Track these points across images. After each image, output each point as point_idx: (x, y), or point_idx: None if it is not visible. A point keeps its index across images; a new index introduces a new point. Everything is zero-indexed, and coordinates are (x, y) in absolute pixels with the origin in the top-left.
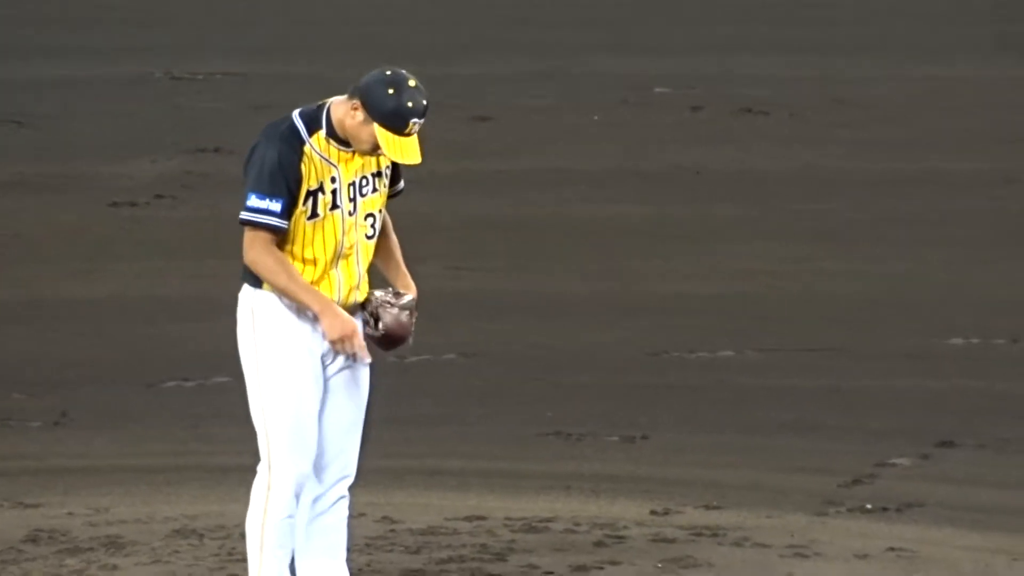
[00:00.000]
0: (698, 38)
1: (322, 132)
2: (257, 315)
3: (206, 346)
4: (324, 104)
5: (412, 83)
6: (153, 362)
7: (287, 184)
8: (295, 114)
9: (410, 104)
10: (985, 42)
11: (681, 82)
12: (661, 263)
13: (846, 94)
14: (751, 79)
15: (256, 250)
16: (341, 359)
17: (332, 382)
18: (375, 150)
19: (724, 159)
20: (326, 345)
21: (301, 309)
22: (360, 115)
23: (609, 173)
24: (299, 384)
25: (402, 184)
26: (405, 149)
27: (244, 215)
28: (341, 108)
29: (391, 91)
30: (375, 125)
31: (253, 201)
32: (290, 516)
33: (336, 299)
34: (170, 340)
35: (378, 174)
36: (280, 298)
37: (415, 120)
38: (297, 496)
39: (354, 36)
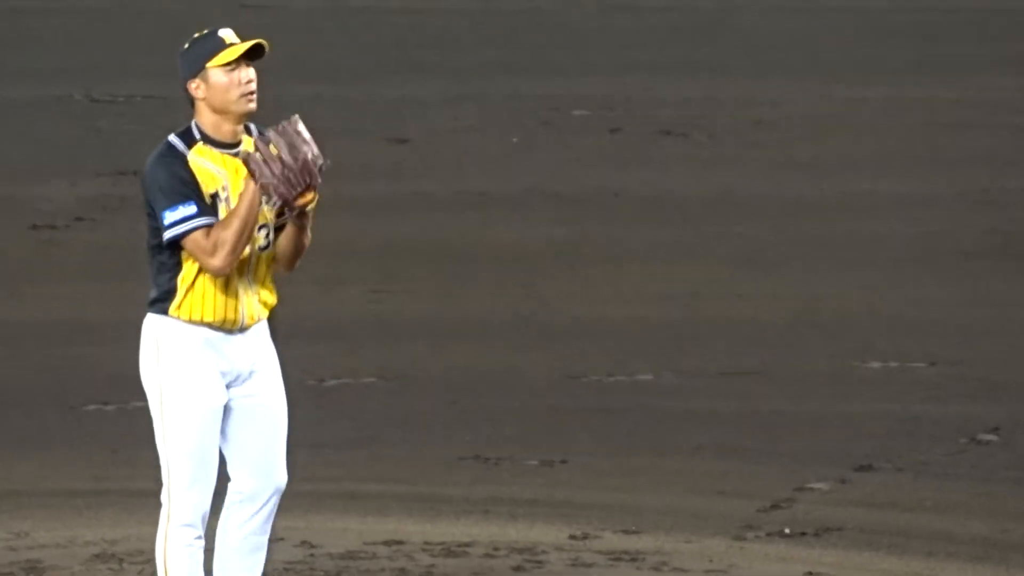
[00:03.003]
0: (617, 61)
1: (199, 143)
2: (162, 345)
3: (127, 370)
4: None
5: (198, 34)
6: (73, 386)
7: (189, 187)
8: (169, 136)
9: (207, 30)
10: (903, 64)
11: (600, 104)
12: (580, 286)
13: (765, 116)
14: (670, 101)
15: (208, 252)
16: (250, 381)
17: (245, 404)
18: (244, 90)
19: (643, 182)
20: (234, 372)
21: (206, 336)
22: (200, 84)
23: (528, 195)
24: (200, 416)
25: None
26: (242, 46)
27: (169, 233)
28: (197, 110)
29: (187, 45)
30: (210, 70)
31: (168, 217)
32: (190, 545)
33: (240, 314)
34: (91, 363)
35: None
36: (184, 326)
37: (224, 32)
38: (197, 525)
39: (275, 59)
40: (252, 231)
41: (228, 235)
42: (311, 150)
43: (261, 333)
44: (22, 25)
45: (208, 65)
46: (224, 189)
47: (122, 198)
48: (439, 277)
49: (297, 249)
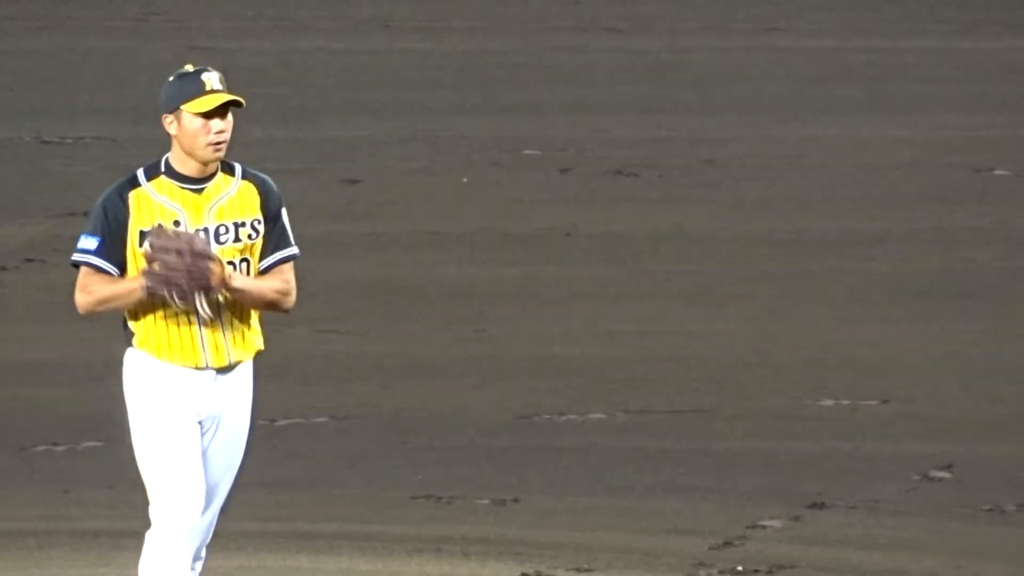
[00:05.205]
0: (567, 100)
1: (162, 176)
2: (129, 374)
3: (76, 410)
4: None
5: (188, 67)
6: (23, 426)
7: (105, 225)
8: (139, 168)
9: (192, 68)
10: (854, 103)
11: (550, 144)
12: (530, 325)
13: (715, 155)
14: (620, 141)
15: (80, 293)
16: (211, 432)
17: (206, 448)
18: (213, 140)
19: (593, 220)
20: (204, 411)
21: (171, 371)
22: (174, 121)
23: (479, 235)
24: (173, 444)
25: (294, 250)
26: (218, 98)
27: (72, 256)
28: (172, 146)
29: (172, 78)
30: (184, 112)
31: (80, 242)
32: (171, 567)
33: (202, 356)
34: (40, 404)
35: (242, 224)
36: (150, 359)
37: (207, 75)
38: (184, 550)
39: None
40: (120, 306)
41: (99, 294)
42: (193, 241)
43: (237, 379)
44: None
45: (183, 107)
46: (177, 224)
47: (72, 239)
48: (390, 317)
49: (260, 305)
